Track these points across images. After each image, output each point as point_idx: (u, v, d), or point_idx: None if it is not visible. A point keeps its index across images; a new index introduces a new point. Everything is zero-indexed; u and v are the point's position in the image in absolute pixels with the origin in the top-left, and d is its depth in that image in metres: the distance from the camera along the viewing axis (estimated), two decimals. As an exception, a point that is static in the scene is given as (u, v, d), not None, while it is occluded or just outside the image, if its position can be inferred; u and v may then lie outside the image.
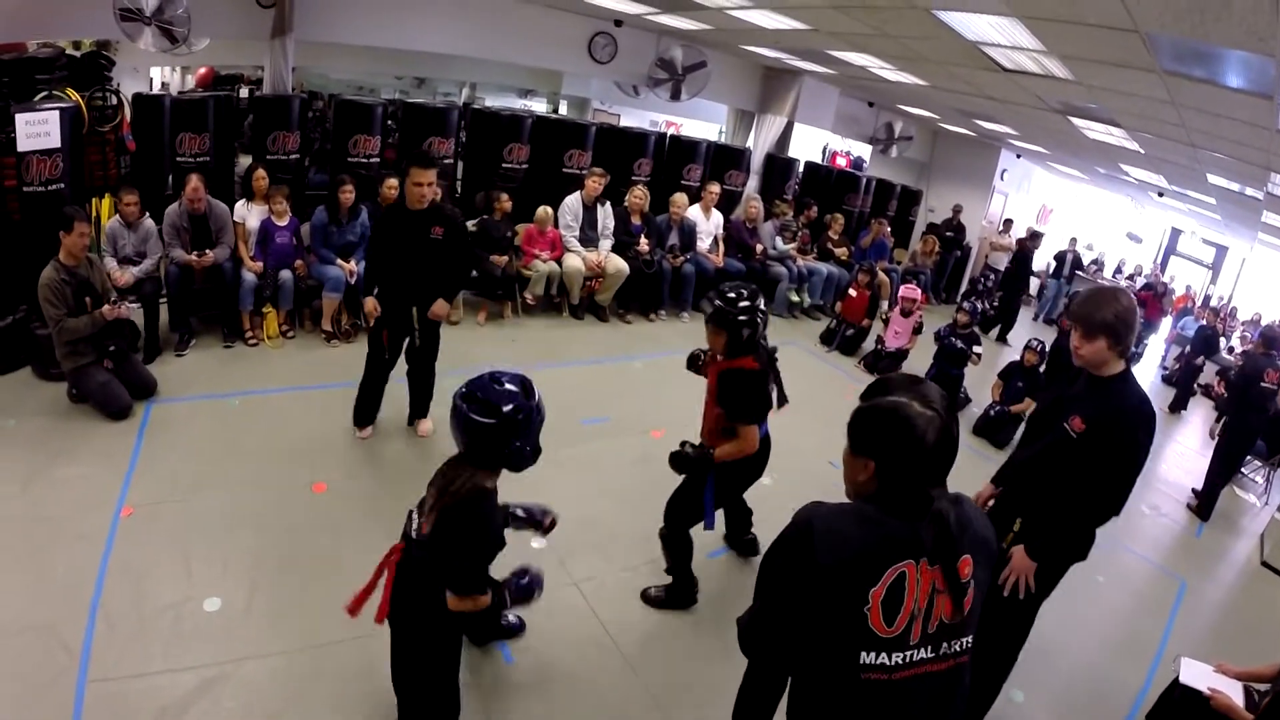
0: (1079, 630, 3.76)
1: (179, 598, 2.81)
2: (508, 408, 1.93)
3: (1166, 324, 12.91)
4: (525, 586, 2.26)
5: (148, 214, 5.06)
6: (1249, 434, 6.01)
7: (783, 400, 2.95)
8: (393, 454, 4.13)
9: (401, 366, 4.18)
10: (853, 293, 7.42)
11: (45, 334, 4.22)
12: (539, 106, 12.66)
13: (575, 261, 6.61)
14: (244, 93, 8.66)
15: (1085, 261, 13.28)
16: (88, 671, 2.41)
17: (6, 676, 2.36)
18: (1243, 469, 7.10)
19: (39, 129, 4.57)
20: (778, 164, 9.40)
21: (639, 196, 7.15)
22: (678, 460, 2.93)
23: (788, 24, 6.04)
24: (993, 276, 11.37)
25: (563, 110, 12.80)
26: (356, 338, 5.50)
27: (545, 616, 2.92)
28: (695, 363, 3.11)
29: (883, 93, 9.39)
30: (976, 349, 6.51)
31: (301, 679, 2.55)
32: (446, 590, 1.97)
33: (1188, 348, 9.88)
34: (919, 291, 7.04)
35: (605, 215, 6.94)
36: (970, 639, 1.33)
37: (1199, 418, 9.12)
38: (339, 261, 5.54)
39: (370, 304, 4.00)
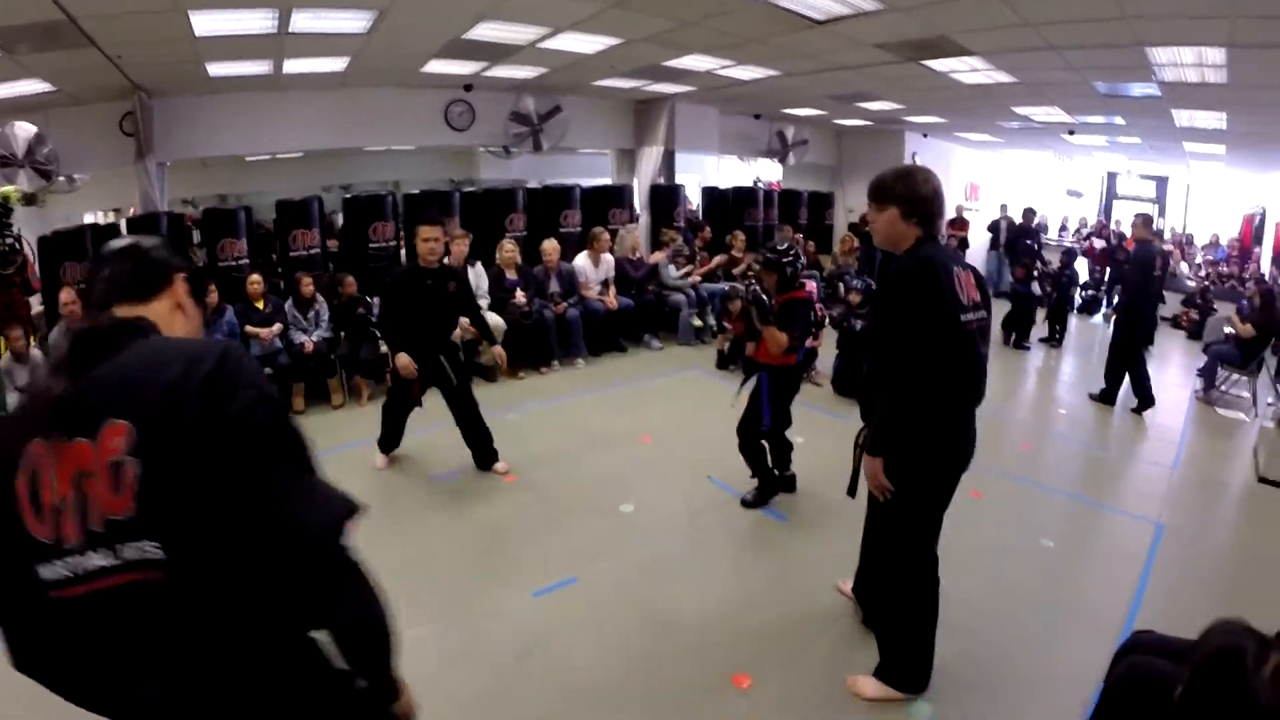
0: (1023, 610, 3.03)
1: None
2: None
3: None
4: None
5: (35, 348, 5.11)
6: (1147, 324, 6.10)
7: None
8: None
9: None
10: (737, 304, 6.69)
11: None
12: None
13: (446, 329, 6.14)
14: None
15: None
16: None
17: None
18: (1221, 385, 6.41)
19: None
20: (662, 194, 9.03)
21: (508, 251, 6.76)
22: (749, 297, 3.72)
23: (599, 41, 5.80)
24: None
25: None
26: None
27: None
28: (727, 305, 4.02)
29: (756, 100, 9.12)
30: None
31: None
32: None
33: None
34: (810, 284, 6.42)
35: (477, 276, 6.59)
36: (160, 544, 0.87)
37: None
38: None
39: (407, 360, 4.09)
